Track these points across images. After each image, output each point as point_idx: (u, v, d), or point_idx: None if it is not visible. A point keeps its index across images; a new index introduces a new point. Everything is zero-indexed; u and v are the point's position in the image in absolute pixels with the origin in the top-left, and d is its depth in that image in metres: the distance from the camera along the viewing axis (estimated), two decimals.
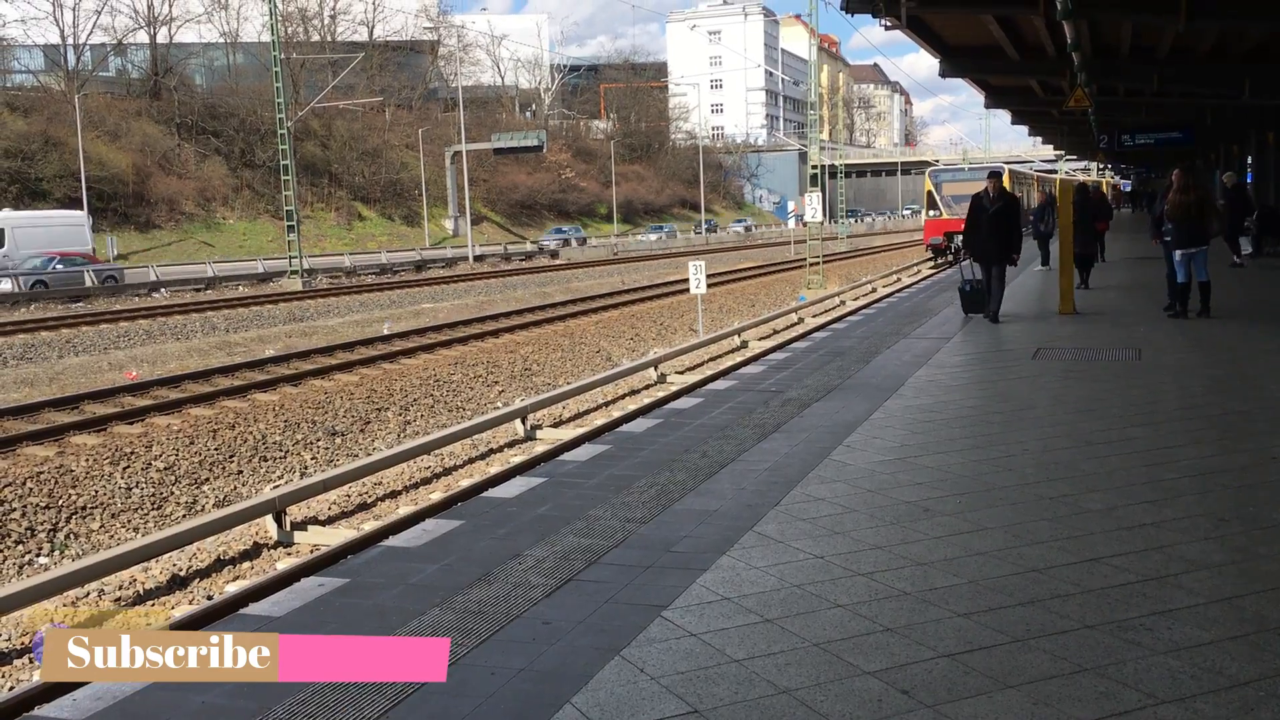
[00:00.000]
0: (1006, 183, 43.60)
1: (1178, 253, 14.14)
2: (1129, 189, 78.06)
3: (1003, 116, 46.84)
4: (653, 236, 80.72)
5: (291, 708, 3.87)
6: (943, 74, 24.81)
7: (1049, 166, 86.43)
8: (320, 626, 4.66)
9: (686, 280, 24.62)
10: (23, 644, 8.20)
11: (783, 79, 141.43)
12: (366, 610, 4.84)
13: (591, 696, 3.87)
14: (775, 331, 25.17)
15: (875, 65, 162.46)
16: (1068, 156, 78.13)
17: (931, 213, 39.27)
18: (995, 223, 14.36)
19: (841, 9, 18.07)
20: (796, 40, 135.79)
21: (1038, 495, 6.24)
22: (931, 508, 6.06)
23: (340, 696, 3.94)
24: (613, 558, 5.40)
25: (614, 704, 3.81)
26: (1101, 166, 74.23)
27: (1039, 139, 61.95)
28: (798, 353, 12.98)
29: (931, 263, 40.66)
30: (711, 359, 21.29)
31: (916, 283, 30.84)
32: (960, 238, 27.59)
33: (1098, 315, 15.11)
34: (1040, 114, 37.00)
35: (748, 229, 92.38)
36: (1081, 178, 68.22)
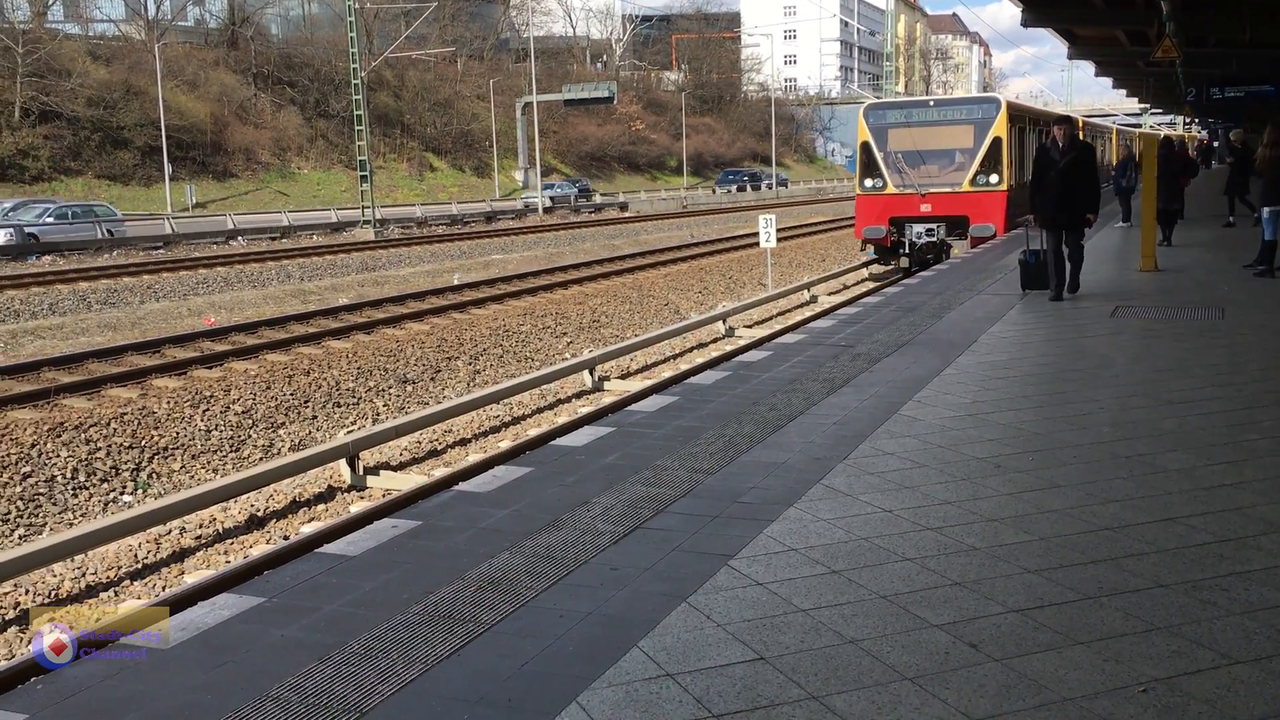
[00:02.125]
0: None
1: (1265, 210, 13.70)
2: (1215, 145, 75.62)
3: (1086, 69, 44.30)
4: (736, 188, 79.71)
5: (367, 642, 3.97)
6: (1025, 24, 24.20)
7: (1133, 120, 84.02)
8: (394, 567, 4.76)
9: (755, 234, 24.44)
10: (109, 578, 8.50)
11: (858, 29, 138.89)
12: (438, 552, 4.93)
13: (658, 641, 3.92)
14: (845, 287, 24.94)
15: (954, 15, 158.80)
16: (1153, 110, 75.82)
17: (869, 182, 23.47)
18: (1066, 178, 11.99)
19: None
20: None
21: (1113, 454, 6.14)
22: (1003, 464, 6.00)
23: (414, 634, 4.03)
24: (680, 507, 5.44)
25: (680, 649, 3.85)
26: (1188, 120, 71.92)
27: (1124, 92, 60.18)
28: (868, 308, 12.86)
29: (879, 266, 25.78)
30: (780, 313, 21.20)
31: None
32: (924, 230, 22.81)
33: (1179, 272, 14.73)
34: (1126, 65, 35.89)
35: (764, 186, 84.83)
36: (1167, 132, 66.19)
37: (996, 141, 22.35)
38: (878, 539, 4.88)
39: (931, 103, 24.71)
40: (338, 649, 3.93)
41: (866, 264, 26.09)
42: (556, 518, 5.32)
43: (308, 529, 9.37)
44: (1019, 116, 24.52)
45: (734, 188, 79.68)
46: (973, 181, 22.55)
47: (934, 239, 22.88)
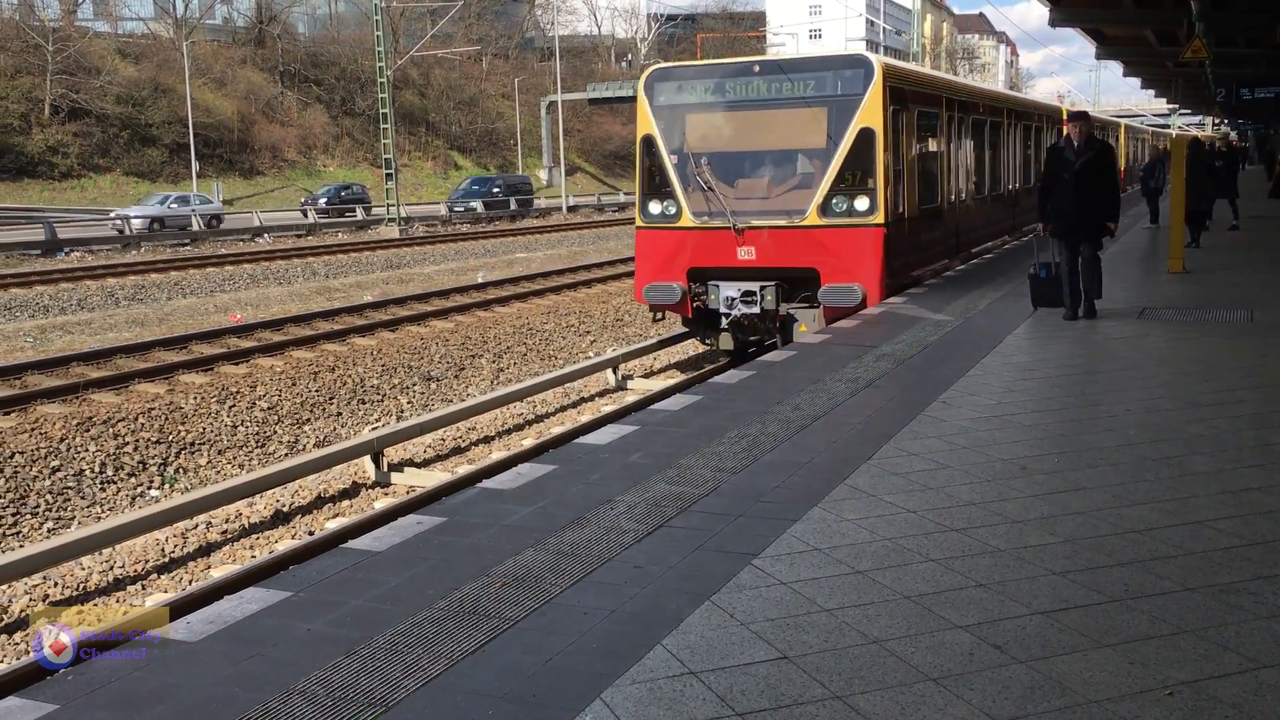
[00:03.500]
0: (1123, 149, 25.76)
1: None
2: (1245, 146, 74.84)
3: (1114, 69, 42.95)
4: None
5: (393, 637, 4.00)
6: (1053, 23, 24.05)
7: (1161, 121, 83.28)
8: (419, 562, 4.79)
9: None
10: (137, 571, 8.58)
11: (884, 29, 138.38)
12: (463, 548, 4.96)
13: (682, 639, 3.93)
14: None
15: (981, 15, 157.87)
16: (1182, 110, 75.15)
17: (655, 207, 14.20)
18: (1082, 181, 10.46)
19: None
20: None
21: (1140, 456, 6.10)
22: (1029, 466, 5.97)
23: (439, 629, 4.06)
24: (704, 506, 5.44)
25: (704, 647, 3.86)
26: (1217, 121, 71.24)
27: (1152, 92, 59.70)
28: (894, 306, 12.81)
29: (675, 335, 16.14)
30: None
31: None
32: (741, 296, 13.26)
33: (1208, 274, 14.60)
34: (1154, 65, 35.61)
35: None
36: (1195, 133, 65.59)
37: (866, 136, 12.85)
38: (902, 539, 4.87)
39: (756, 67, 13.87)
40: (364, 644, 3.96)
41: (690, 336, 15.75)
42: (580, 515, 5.33)
43: (333, 525, 9.43)
44: (908, 91, 14.15)
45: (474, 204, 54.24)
46: (824, 209, 12.97)
47: (757, 308, 13.31)
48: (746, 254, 13.25)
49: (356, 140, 66.47)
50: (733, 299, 13.34)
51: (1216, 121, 75.36)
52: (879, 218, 12.78)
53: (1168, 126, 77.76)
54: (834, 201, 12.87)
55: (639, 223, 14.20)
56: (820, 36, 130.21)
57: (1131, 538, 4.82)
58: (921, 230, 14.65)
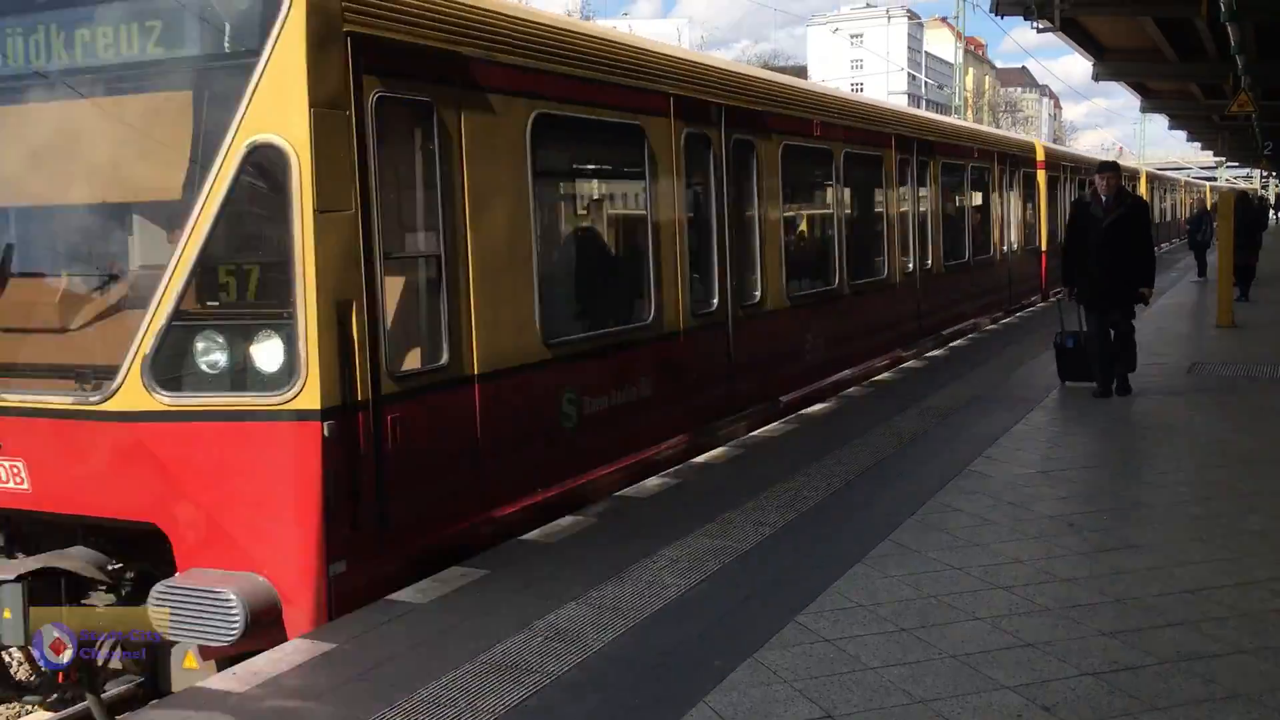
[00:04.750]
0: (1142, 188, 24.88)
1: None
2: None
3: (1159, 121, 42.09)
4: None
5: (436, 690, 4.00)
6: (1096, 77, 24.04)
7: (1207, 174, 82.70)
8: (462, 615, 4.79)
9: None
10: None
11: (926, 83, 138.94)
12: (505, 601, 4.94)
13: (725, 696, 3.89)
14: None
15: (1023, 68, 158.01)
16: (1229, 163, 74.64)
17: None
18: (1112, 241, 9.29)
19: (991, 11, 17.68)
20: (942, 43, 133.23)
21: (1190, 515, 6.01)
22: (1076, 523, 5.90)
23: (481, 683, 4.05)
24: (746, 560, 5.41)
25: (747, 705, 3.83)
26: (1265, 174, 70.65)
27: (1198, 145, 59.37)
28: (935, 361, 12.74)
29: None
30: None
31: None
32: None
33: (1258, 329, 14.41)
34: (1200, 119, 35.42)
35: None
36: (1243, 185, 65.08)
37: (268, 162, 4.91)
38: (947, 597, 4.82)
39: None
40: (405, 697, 3.96)
41: None
42: (622, 569, 5.32)
43: None
44: (466, 55, 5.83)
45: None
46: (163, 368, 4.92)
47: None
48: None
49: None
50: None
51: (1265, 174, 74.61)
52: (313, 394, 4.80)
53: (1214, 179, 77.18)
54: (191, 349, 5.02)
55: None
56: (862, 89, 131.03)
57: (1183, 598, 4.73)
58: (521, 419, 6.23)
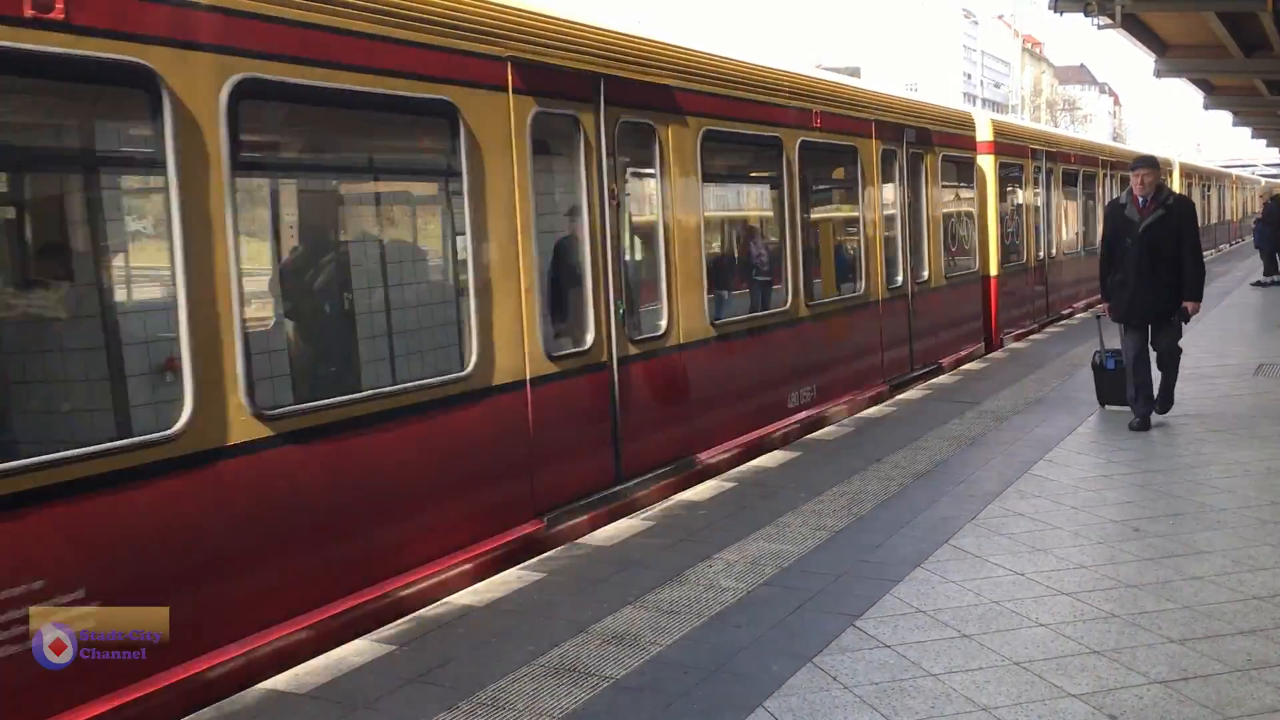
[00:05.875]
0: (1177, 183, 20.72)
1: None
2: None
3: (1222, 117, 40.70)
4: None
5: (494, 693, 4.01)
6: (1158, 74, 23.55)
7: (1273, 171, 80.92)
8: (520, 617, 4.81)
9: None
10: None
11: (981, 81, 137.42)
12: (563, 604, 4.96)
13: (784, 702, 3.87)
14: None
15: (1082, 66, 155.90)
16: None
17: None
18: (1151, 247, 8.16)
19: (1050, 8, 17.39)
20: (998, 41, 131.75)
21: (1259, 519, 5.87)
22: (1142, 527, 5.79)
23: (539, 686, 4.06)
24: (803, 564, 5.38)
25: (807, 710, 3.79)
26: None
27: (1264, 142, 58.11)
28: (993, 364, 12.57)
29: None
30: None
31: None
32: None
33: None
34: (1265, 115, 34.64)
35: None
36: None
37: None
38: (1009, 602, 4.74)
39: None
40: (465, 699, 3.98)
41: None
42: (679, 572, 5.31)
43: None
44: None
45: None
46: None
47: None
48: None
49: None
50: None
51: None
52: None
53: (1278, 178, 75.47)
54: None
55: None
56: (916, 90, 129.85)
57: (1253, 604, 4.63)
58: None
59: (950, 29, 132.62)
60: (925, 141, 11.52)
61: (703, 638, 4.49)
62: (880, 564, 5.34)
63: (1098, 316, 9.23)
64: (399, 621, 4.80)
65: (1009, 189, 14.98)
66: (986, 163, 13.80)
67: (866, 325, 10.35)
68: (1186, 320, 8.46)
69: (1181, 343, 8.57)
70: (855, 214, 10.22)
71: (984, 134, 13.83)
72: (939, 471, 7.22)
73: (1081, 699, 3.80)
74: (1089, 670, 4.03)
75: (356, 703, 3.98)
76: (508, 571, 5.48)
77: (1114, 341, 8.80)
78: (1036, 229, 15.83)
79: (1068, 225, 18.09)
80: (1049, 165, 16.32)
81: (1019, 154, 15.21)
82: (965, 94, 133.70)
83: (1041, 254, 16.08)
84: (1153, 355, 8.50)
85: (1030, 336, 14.67)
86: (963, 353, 12.74)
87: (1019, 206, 15.30)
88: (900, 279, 11.00)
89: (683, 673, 4.15)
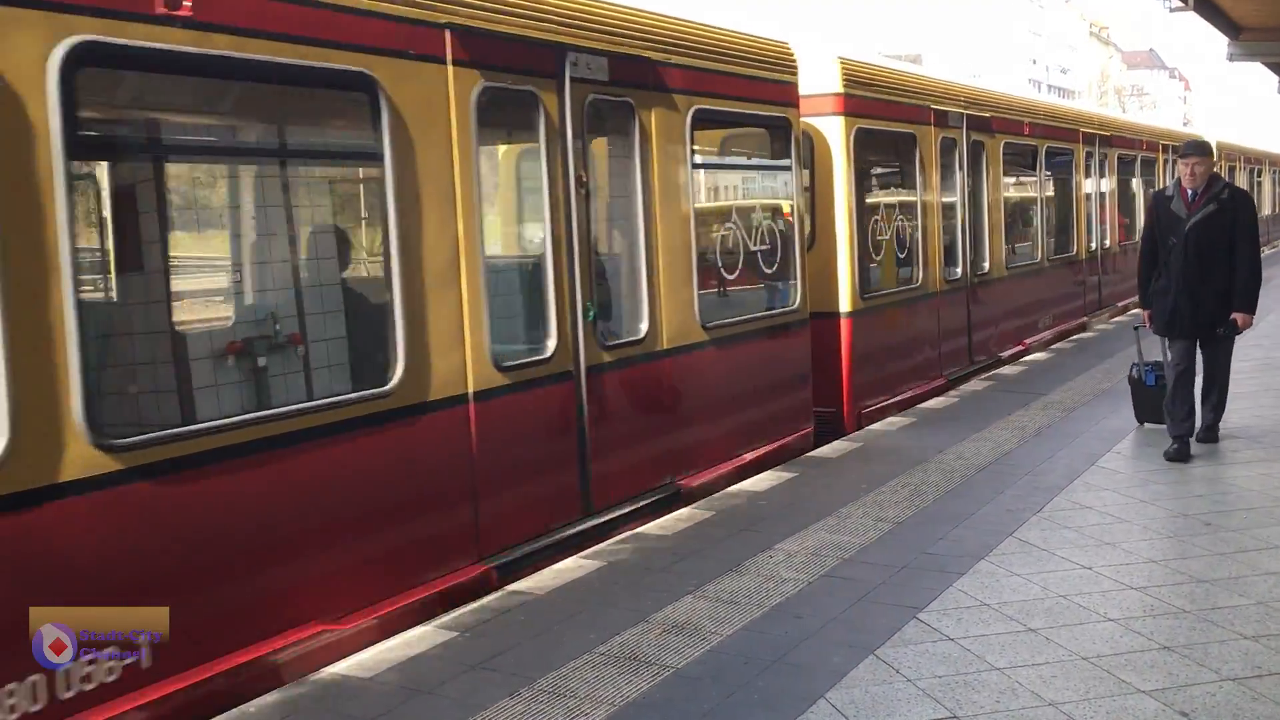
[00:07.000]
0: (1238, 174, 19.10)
1: None
2: None
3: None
4: None
5: (555, 681, 4.03)
6: (1231, 58, 22.97)
7: None
8: (580, 606, 4.83)
9: None
10: None
11: (1047, 67, 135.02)
12: (623, 593, 4.96)
13: (846, 694, 3.84)
14: None
15: (1151, 50, 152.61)
16: None
17: None
18: (1198, 246, 7.07)
19: None
20: (1064, 25, 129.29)
21: None
22: (1213, 522, 5.66)
23: (600, 674, 4.08)
24: (865, 555, 5.34)
25: (869, 703, 3.77)
26: None
27: None
28: (1060, 354, 12.37)
29: None
30: None
31: None
32: None
33: None
34: None
35: None
36: None
37: None
38: (1076, 597, 4.67)
39: None
40: (527, 686, 4.00)
41: None
42: (739, 563, 5.29)
43: None
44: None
45: None
46: None
47: None
48: None
49: None
50: None
51: None
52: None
53: None
54: None
55: None
56: (980, 77, 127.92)
57: None
58: None
59: (1015, 13, 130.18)
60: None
61: (763, 628, 4.47)
62: (943, 556, 5.28)
63: (1136, 327, 8.21)
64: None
65: (876, 175, 10.39)
66: (833, 133, 8.62)
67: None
68: (1236, 334, 7.27)
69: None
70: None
71: (819, 81, 8.51)
72: (1003, 463, 7.12)
73: (1151, 695, 3.73)
74: (1159, 666, 3.95)
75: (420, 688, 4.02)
76: (560, 565, 5.48)
77: (1155, 353, 7.87)
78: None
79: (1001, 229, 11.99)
80: (978, 137, 10.99)
81: (892, 118, 9.50)
82: (1030, 79, 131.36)
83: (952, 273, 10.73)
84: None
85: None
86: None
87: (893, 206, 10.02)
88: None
89: (743, 663, 4.13)
